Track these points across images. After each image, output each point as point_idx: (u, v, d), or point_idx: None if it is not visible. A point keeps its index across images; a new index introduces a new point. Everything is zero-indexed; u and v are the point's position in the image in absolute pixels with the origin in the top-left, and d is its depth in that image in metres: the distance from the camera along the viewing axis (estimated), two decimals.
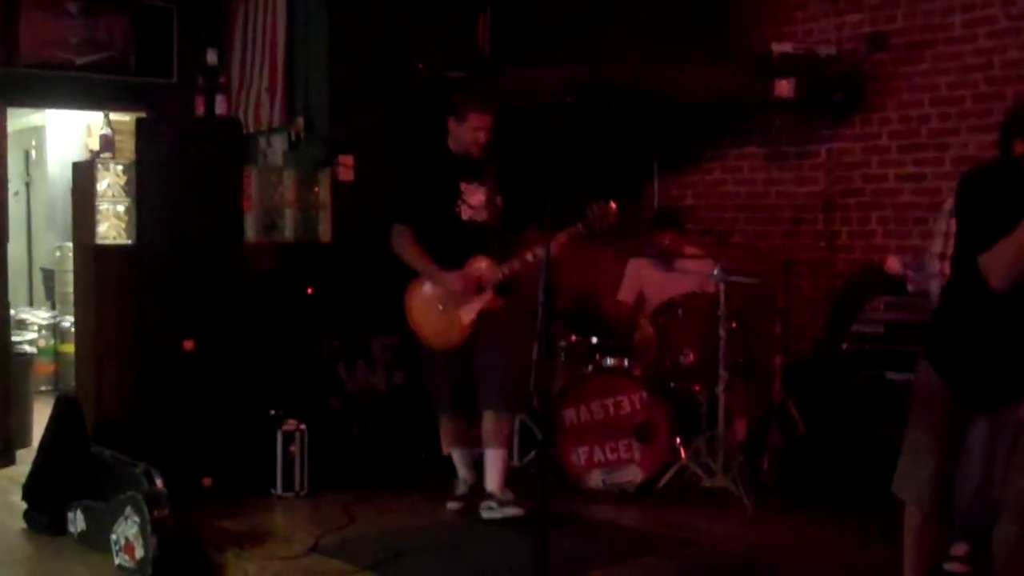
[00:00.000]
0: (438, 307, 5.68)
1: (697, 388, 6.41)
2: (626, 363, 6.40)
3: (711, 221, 7.59)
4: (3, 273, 7.07)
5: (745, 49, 7.21)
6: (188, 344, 6.01)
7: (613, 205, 5.51)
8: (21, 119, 10.47)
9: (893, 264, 6.22)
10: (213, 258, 6.11)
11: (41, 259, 10.53)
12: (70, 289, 7.69)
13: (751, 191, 7.67)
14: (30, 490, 5.62)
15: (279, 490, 6.08)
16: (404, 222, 5.74)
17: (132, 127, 6.43)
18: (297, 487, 6.10)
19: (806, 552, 5.28)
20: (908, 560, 3.95)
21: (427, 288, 5.72)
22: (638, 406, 6.20)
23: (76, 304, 6.84)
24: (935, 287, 4.87)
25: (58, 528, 5.41)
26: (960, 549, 4.79)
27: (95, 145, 8.87)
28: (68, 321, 8.89)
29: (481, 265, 5.65)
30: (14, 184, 10.15)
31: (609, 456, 6.20)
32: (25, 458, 6.37)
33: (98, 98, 7.80)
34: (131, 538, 4.87)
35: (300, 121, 7.47)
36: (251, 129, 7.73)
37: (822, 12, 7.25)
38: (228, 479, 6.02)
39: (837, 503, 5.95)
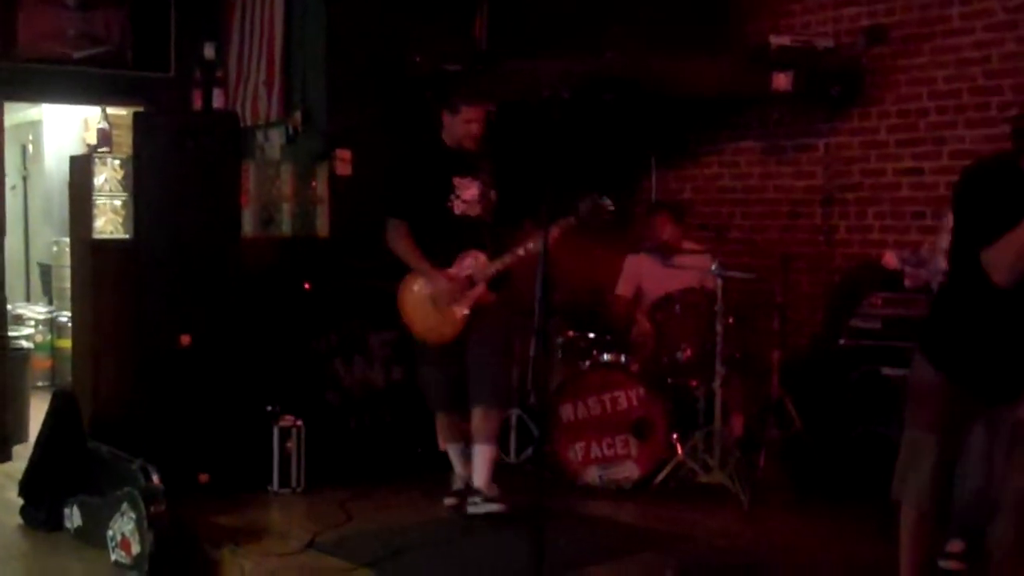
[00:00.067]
0: (431, 302, 5.67)
1: (694, 384, 6.41)
2: (623, 359, 6.39)
3: (709, 216, 7.59)
4: (0, 268, 7.06)
5: (743, 42, 7.20)
6: (185, 339, 6.00)
7: (606, 199, 5.49)
8: (18, 113, 10.47)
9: (891, 259, 6.21)
10: (210, 253, 6.10)
11: (38, 254, 10.51)
12: (67, 284, 7.67)
13: (748, 185, 7.66)
14: (26, 486, 5.62)
15: (276, 486, 6.08)
16: (398, 216, 5.73)
17: (129, 121, 6.43)
18: (294, 483, 6.10)
19: (803, 548, 5.29)
20: (904, 557, 3.95)
21: (420, 283, 5.71)
22: (635, 402, 6.19)
23: (73, 299, 6.82)
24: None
25: (54, 524, 5.41)
26: (956, 546, 4.78)
27: (92, 139, 8.89)
28: (65, 316, 8.87)
29: (472, 261, 5.64)
30: (11, 178, 10.17)
31: (606, 452, 6.20)
32: (22, 454, 6.38)
33: (95, 92, 7.80)
34: (127, 534, 4.87)
35: (298, 115, 7.46)
36: (248, 123, 7.71)
37: (820, 5, 7.24)
38: (225, 475, 6.01)
39: (834, 499, 5.95)
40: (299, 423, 6.13)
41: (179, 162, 6.04)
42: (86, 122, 10.01)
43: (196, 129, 6.14)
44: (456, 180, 5.70)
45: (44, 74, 7.45)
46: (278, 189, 7.05)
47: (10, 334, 7.42)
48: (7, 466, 6.58)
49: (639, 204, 8.00)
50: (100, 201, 6.40)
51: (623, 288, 7.04)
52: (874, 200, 6.97)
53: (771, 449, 6.42)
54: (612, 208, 5.49)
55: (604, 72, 6.83)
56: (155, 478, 5.03)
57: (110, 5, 7.62)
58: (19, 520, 5.57)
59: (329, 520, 5.59)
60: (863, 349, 6.12)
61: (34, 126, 10.67)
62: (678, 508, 5.86)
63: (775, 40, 6.92)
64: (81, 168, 6.61)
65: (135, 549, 4.81)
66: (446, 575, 4.99)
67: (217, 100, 7.84)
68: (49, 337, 9.38)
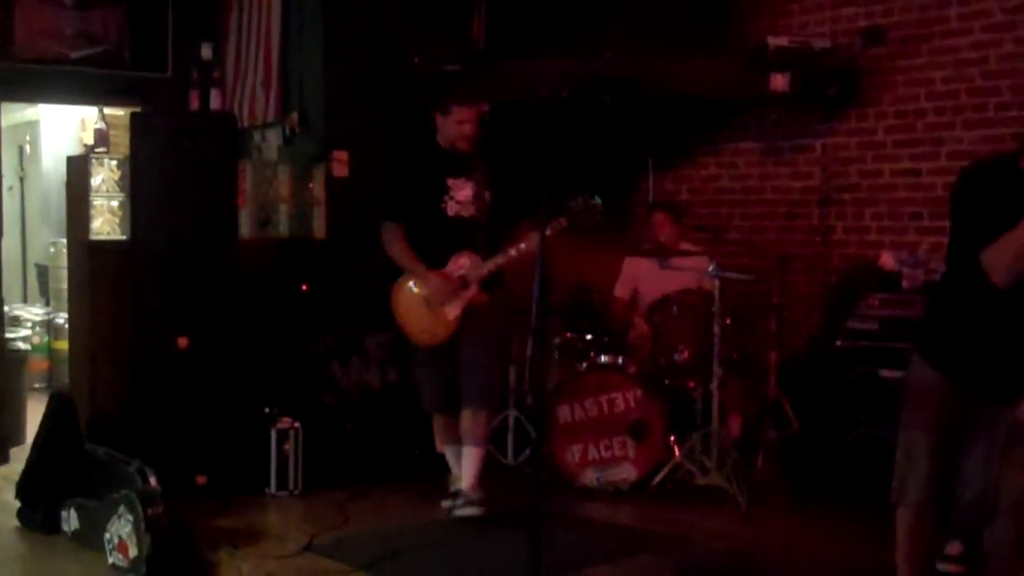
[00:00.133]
0: (423, 304, 5.67)
1: (691, 385, 6.41)
2: (620, 360, 6.38)
3: (706, 216, 7.59)
4: None
5: (740, 43, 7.20)
6: (182, 341, 5.99)
7: (597, 199, 5.48)
8: (15, 114, 10.46)
9: (888, 260, 6.21)
10: (207, 254, 6.09)
11: (35, 255, 10.49)
12: (64, 285, 7.66)
13: (746, 186, 7.66)
14: (23, 488, 5.61)
15: (273, 488, 6.07)
16: (392, 219, 5.74)
17: (127, 121, 6.41)
18: (291, 485, 6.09)
19: (801, 550, 5.29)
20: (901, 559, 3.95)
21: (412, 285, 5.71)
22: (632, 403, 6.19)
23: (70, 300, 6.81)
24: None
25: (52, 526, 5.40)
26: (955, 548, 4.78)
27: (89, 139, 8.87)
28: (62, 318, 8.85)
29: (464, 262, 5.63)
30: (8, 179, 10.16)
31: (603, 454, 6.19)
32: (19, 456, 6.38)
33: (92, 92, 7.79)
34: (125, 537, 4.86)
35: (295, 116, 7.46)
36: (246, 123, 7.71)
37: (817, 5, 7.24)
38: (222, 477, 6.00)
39: (832, 500, 5.96)
40: (296, 425, 6.13)
41: (176, 163, 6.03)
42: (83, 122, 9.99)
43: (193, 130, 6.13)
44: (450, 181, 5.69)
45: (41, 74, 7.45)
46: (275, 190, 7.05)
47: (7, 335, 7.41)
48: (4, 468, 6.57)
49: (637, 205, 8.00)
50: (97, 202, 6.39)
51: (620, 290, 7.04)
52: (871, 201, 6.97)
53: (769, 450, 6.43)
54: (602, 208, 5.48)
55: (602, 72, 6.82)
56: (152, 480, 5.02)
57: (107, 5, 7.63)
58: (16, 522, 5.55)
59: (327, 522, 5.58)
60: (860, 350, 6.12)
61: (31, 126, 10.65)
62: (676, 510, 5.86)
63: (773, 41, 6.93)
64: (78, 169, 6.60)
65: (132, 552, 4.81)
66: None
67: (214, 101, 7.85)
68: (46, 339, 9.37)
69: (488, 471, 5.82)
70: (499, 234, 5.68)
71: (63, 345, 8.42)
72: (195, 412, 5.99)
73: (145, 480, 5.02)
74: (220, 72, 7.90)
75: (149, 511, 4.79)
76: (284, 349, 6.43)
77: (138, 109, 7.56)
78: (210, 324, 6.06)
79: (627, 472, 6.17)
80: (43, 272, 10.14)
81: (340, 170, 7.20)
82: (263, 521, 5.70)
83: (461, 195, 5.70)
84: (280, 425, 6.10)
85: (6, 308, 7.72)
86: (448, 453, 5.92)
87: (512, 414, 6.71)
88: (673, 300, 6.39)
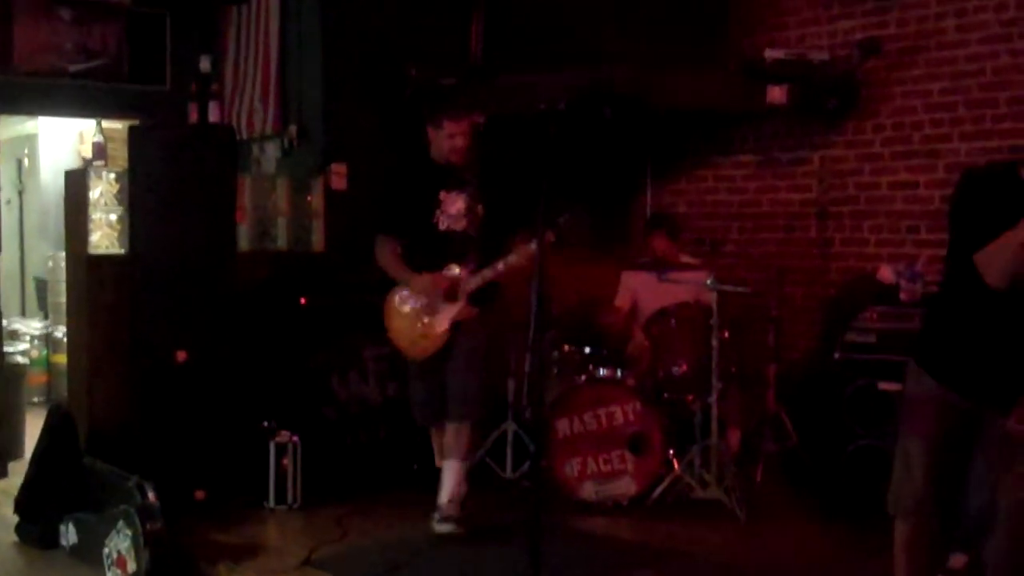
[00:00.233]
0: (413, 316, 5.69)
1: (690, 398, 6.39)
2: (619, 373, 6.38)
3: (704, 230, 7.58)
4: None
5: (738, 56, 7.21)
6: (181, 355, 5.98)
7: (584, 215, 5.48)
8: (14, 127, 10.48)
9: (886, 273, 6.22)
10: (206, 267, 6.08)
11: (34, 268, 10.49)
12: (63, 299, 7.65)
13: (744, 199, 7.67)
14: (22, 503, 5.61)
15: (272, 502, 6.06)
16: (385, 232, 5.76)
17: (125, 135, 6.41)
18: (290, 499, 6.08)
19: (800, 563, 5.28)
20: (899, 571, 3.94)
21: (402, 297, 5.73)
22: (631, 417, 6.18)
23: (69, 314, 6.80)
24: None
25: (50, 541, 5.40)
26: (958, 561, 4.77)
27: (88, 153, 8.89)
28: (61, 331, 8.85)
29: (453, 273, 5.64)
30: (7, 192, 10.19)
31: (602, 467, 6.18)
32: (17, 470, 6.35)
33: (91, 106, 7.80)
34: (123, 552, 4.86)
35: (293, 128, 7.47)
36: (244, 136, 7.73)
37: (815, 18, 7.25)
38: (221, 492, 5.98)
39: (831, 513, 5.96)
40: (295, 439, 6.12)
41: (175, 176, 6.02)
42: (82, 135, 10.01)
43: (192, 143, 6.14)
44: (443, 195, 5.70)
45: (40, 87, 7.46)
46: (274, 203, 7.06)
47: (6, 349, 7.39)
48: (3, 483, 6.55)
49: (635, 218, 8.01)
50: (96, 215, 6.38)
51: (621, 300, 7.03)
52: (869, 213, 6.98)
53: (768, 463, 6.43)
54: (589, 224, 5.48)
55: (601, 86, 6.83)
56: (151, 495, 5.03)
57: (106, 18, 7.64)
58: (14, 537, 5.56)
59: (325, 536, 5.57)
60: (859, 363, 6.12)
61: (30, 140, 10.66)
62: (675, 523, 5.85)
63: (770, 54, 6.94)
64: (76, 182, 6.59)
65: (131, 567, 4.81)
66: None
67: (213, 113, 7.85)
68: (45, 352, 9.37)
69: (486, 485, 5.81)
70: (491, 247, 5.67)
71: (62, 359, 8.41)
72: (194, 426, 5.97)
73: (144, 495, 5.03)
74: (219, 85, 7.90)
75: (148, 526, 4.80)
76: (283, 363, 6.42)
77: (137, 122, 7.57)
78: (209, 338, 6.05)
79: (626, 486, 6.16)
80: (42, 286, 10.14)
81: (339, 183, 7.20)
82: (262, 535, 5.69)
83: (453, 209, 5.70)
84: (279, 439, 6.09)
85: (5, 322, 7.69)
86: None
87: (511, 428, 6.70)
88: (671, 313, 6.39)
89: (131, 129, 6.35)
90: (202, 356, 6.02)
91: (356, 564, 5.16)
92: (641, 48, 6.90)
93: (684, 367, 6.31)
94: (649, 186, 8.04)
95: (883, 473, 4.03)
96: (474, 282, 5.61)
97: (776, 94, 6.88)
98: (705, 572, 5.21)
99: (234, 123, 7.73)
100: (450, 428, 5.65)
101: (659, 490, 6.11)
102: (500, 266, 5.54)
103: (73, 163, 9.53)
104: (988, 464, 3.83)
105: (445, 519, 5.59)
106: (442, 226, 5.70)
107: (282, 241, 7.05)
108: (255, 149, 7.77)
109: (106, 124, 8.37)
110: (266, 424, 6.15)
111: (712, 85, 7.00)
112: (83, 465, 5.60)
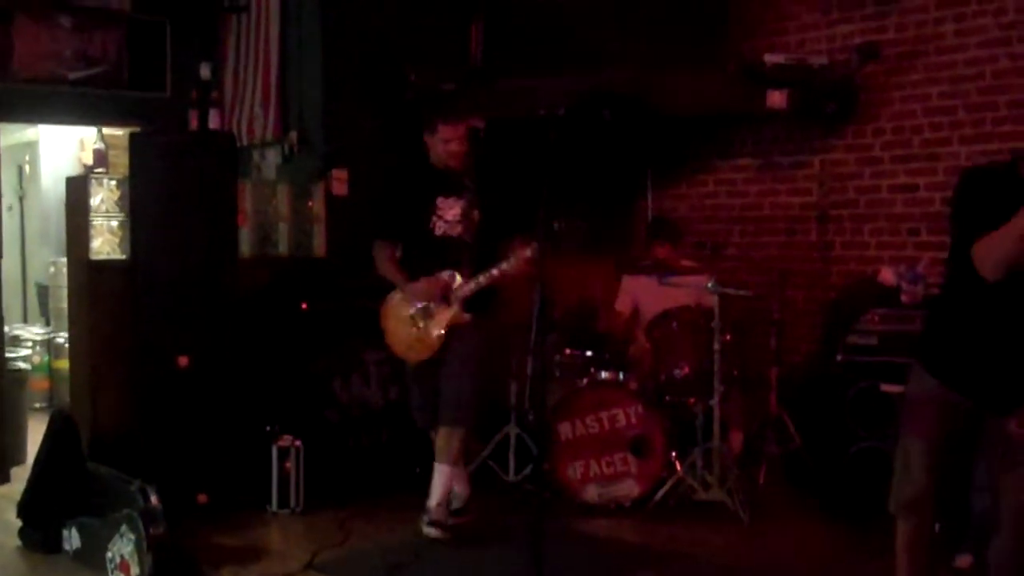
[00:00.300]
0: (409, 321, 5.70)
1: (692, 401, 6.39)
2: (621, 376, 6.39)
3: (705, 233, 7.59)
4: None
5: (738, 60, 7.23)
6: (183, 360, 5.99)
7: (581, 221, 5.48)
8: (14, 134, 10.49)
9: (887, 275, 6.21)
10: (208, 273, 6.09)
11: (35, 274, 10.50)
12: (64, 305, 7.66)
13: (744, 203, 7.68)
14: (25, 507, 5.61)
15: (274, 506, 6.07)
16: (382, 237, 5.77)
17: (126, 142, 6.42)
18: (292, 503, 6.09)
19: (803, 564, 5.29)
20: (901, 571, 3.95)
21: (398, 302, 5.75)
22: (633, 420, 6.19)
23: (70, 320, 6.80)
24: None
25: (53, 546, 5.40)
26: (964, 561, 4.78)
27: (89, 160, 8.87)
28: (62, 337, 8.86)
29: (446, 278, 5.65)
30: (8, 198, 10.18)
31: (605, 470, 6.19)
32: (20, 475, 6.36)
33: (91, 113, 7.79)
34: (127, 556, 4.86)
35: (294, 134, 7.48)
36: (245, 143, 7.73)
37: (814, 23, 7.27)
38: (224, 496, 5.99)
39: (833, 515, 5.96)
40: (298, 443, 6.13)
41: (176, 182, 6.04)
42: (82, 142, 10.01)
43: (192, 149, 6.15)
44: (439, 200, 5.70)
45: (40, 95, 7.46)
46: (275, 209, 7.07)
47: (7, 355, 7.40)
48: (5, 488, 6.56)
49: (635, 223, 8.02)
50: (97, 222, 6.39)
51: (621, 304, 7.03)
52: (869, 216, 6.99)
53: (770, 466, 6.44)
54: (586, 228, 5.48)
55: (601, 90, 6.84)
56: (154, 499, 5.02)
57: (106, 26, 7.64)
58: (18, 542, 5.56)
59: (328, 539, 5.59)
60: (860, 365, 6.12)
61: (31, 147, 10.67)
62: (678, 526, 5.86)
63: (769, 58, 6.96)
64: (77, 189, 6.60)
65: (134, 571, 4.81)
66: None
67: (213, 120, 7.80)
68: (46, 358, 9.37)
69: (489, 488, 5.81)
70: (487, 253, 5.67)
71: (64, 364, 8.41)
72: (196, 431, 5.98)
73: (147, 499, 5.02)
74: (219, 92, 7.90)
75: (151, 530, 4.79)
76: (285, 367, 6.43)
77: (137, 129, 7.56)
78: (211, 343, 6.06)
79: (629, 488, 6.17)
80: (43, 292, 10.15)
81: (339, 188, 7.21)
82: (265, 539, 5.70)
83: (449, 214, 5.70)
84: (281, 443, 6.10)
85: (6, 328, 7.71)
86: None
87: (513, 431, 6.70)
88: (673, 316, 6.39)
89: (132, 136, 6.36)
90: (204, 361, 6.03)
91: (358, 567, 5.17)
92: (641, 51, 6.93)
93: (686, 370, 6.31)
94: (650, 190, 8.05)
95: (885, 475, 4.03)
96: (468, 288, 5.61)
97: (776, 98, 6.90)
98: (708, 574, 5.22)
99: (235, 130, 7.73)
100: (442, 432, 5.65)
101: (661, 492, 6.11)
102: (495, 272, 5.54)
103: (74, 170, 9.54)
104: (990, 465, 3.84)
105: (432, 523, 5.60)
106: (438, 231, 5.71)
107: (283, 246, 7.06)
108: (256, 155, 7.78)
109: (107, 131, 8.36)
110: (268, 428, 6.16)
111: (712, 87, 7.02)
112: (86, 470, 5.60)
